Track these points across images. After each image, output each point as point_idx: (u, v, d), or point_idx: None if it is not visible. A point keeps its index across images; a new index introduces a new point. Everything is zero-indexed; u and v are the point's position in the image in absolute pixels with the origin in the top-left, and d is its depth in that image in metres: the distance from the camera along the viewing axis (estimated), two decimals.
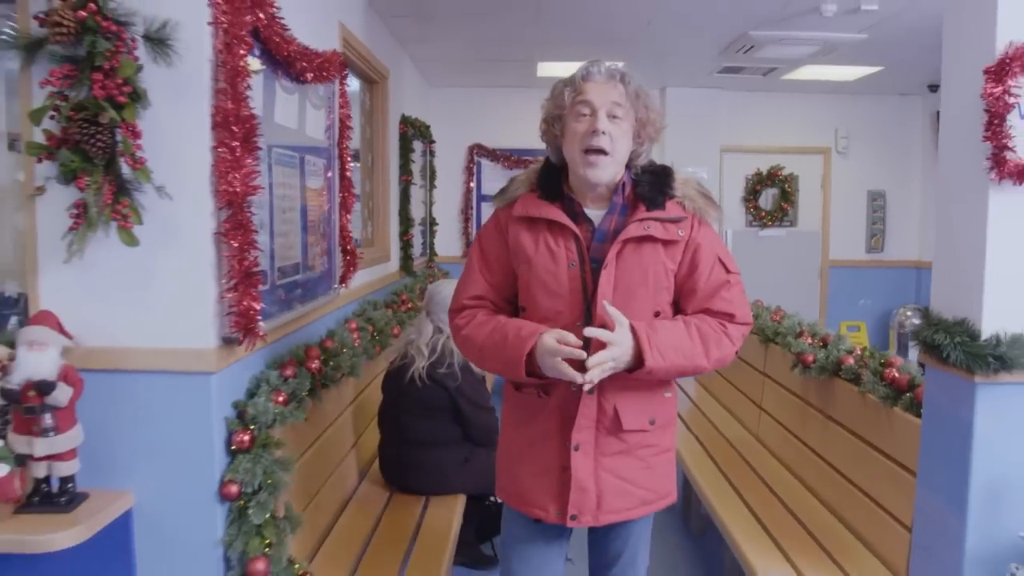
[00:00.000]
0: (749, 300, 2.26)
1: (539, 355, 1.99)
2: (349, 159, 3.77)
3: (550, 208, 2.12)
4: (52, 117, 2.21)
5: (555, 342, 1.95)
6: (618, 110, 2.06)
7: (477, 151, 8.24)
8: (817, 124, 8.09)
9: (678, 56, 6.37)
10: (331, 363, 3.12)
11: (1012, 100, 2.23)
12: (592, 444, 2.11)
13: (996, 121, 2.24)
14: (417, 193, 6.70)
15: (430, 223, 7.64)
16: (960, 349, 2.35)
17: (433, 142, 7.43)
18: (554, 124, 2.17)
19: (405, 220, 5.98)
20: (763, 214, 8.19)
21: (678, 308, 2.19)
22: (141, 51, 2.22)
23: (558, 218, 2.10)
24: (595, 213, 2.14)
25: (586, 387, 1.97)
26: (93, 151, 2.18)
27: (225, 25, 2.35)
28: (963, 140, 2.41)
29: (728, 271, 2.18)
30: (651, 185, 2.12)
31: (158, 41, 2.22)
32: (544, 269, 2.11)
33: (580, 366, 1.95)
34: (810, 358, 3.59)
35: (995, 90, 2.24)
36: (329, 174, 3.61)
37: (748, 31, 5.37)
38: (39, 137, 2.26)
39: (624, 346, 1.97)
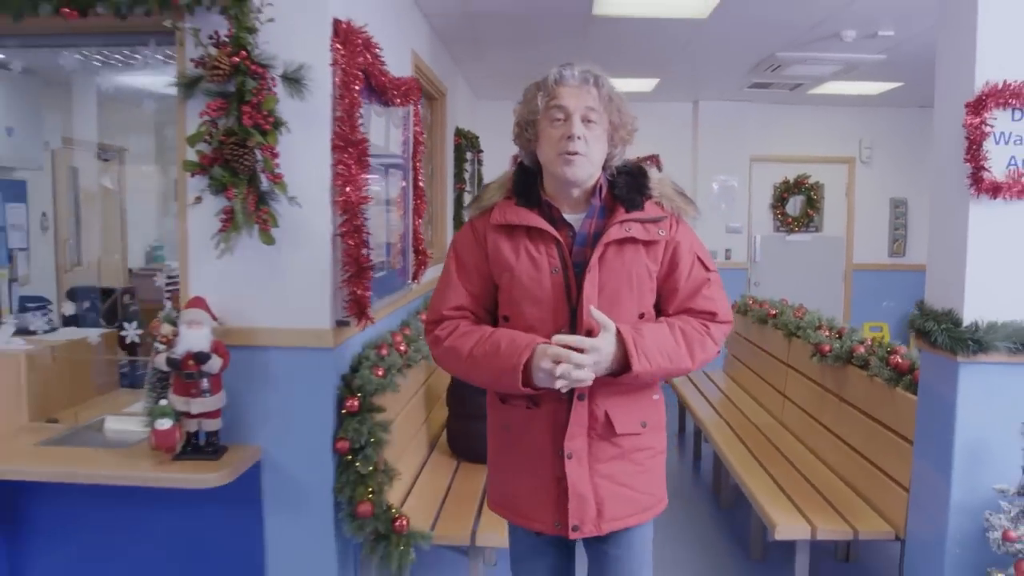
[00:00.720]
0: (776, 299, 2.64)
1: (535, 364, 1.96)
2: (421, 171, 4.31)
3: (529, 214, 2.10)
4: (206, 141, 2.76)
5: (545, 348, 1.95)
6: (592, 114, 2.05)
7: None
8: (841, 135, 8.48)
9: (711, 73, 6.83)
10: (412, 346, 3.65)
11: (987, 129, 2.72)
12: (585, 451, 2.08)
13: (975, 146, 2.73)
14: (467, 199, 7.24)
15: None
16: (945, 334, 2.84)
17: (481, 151, 7.94)
18: (527, 129, 2.14)
19: (459, 224, 6.51)
20: (790, 220, 8.61)
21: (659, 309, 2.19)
22: (279, 88, 2.77)
23: (538, 224, 2.08)
24: (574, 217, 2.12)
25: (560, 386, 1.94)
26: (240, 168, 2.74)
27: (343, 66, 2.89)
28: (949, 161, 2.90)
29: (707, 269, 2.18)
30: (628, 186, 2.12)
31: (293, 80, 2.77)
32: (527, 276, 2.08)
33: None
34: (827, 348, 4.07)
35: (974, 121, 2.73)
36: (404, 184, 4.14)
37: (775, 52, 5.84)
38: (192, 156, 2.81)
39: (609, 350, 1.96)
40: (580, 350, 1.93)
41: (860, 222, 8.63)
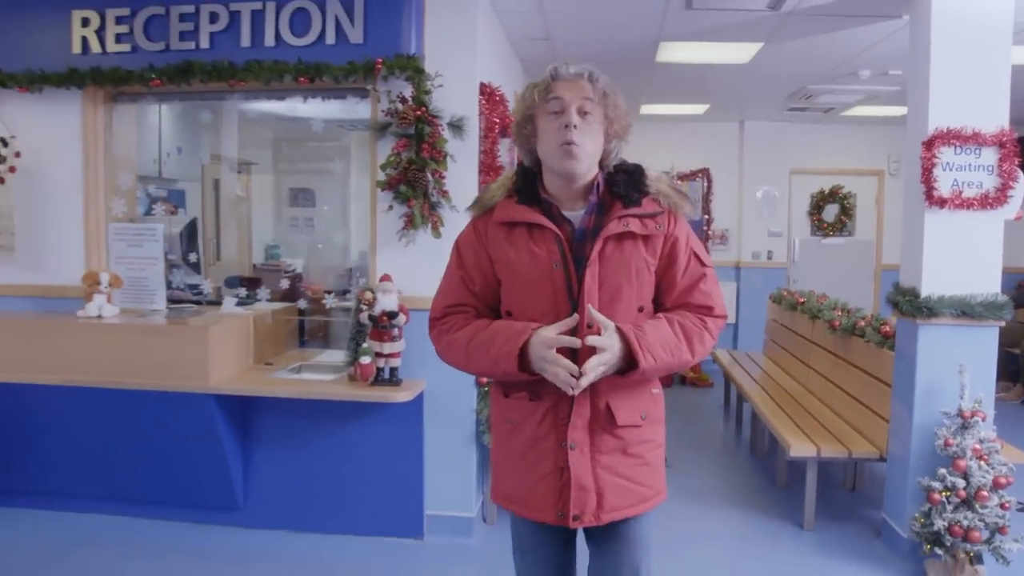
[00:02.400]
0: (815, 295, 3.32)
1: (533, 349, 2.01)
2: None
3: (529, 212, 2.13)
4: (394, 167, 4.05)
5: (551, 336, 2.00)
6: (588, 105, 2.08)
7: None
8: (871, 150, 9.51)
9: (753, 100, 8.00)
10: None
11: (936, 160, 3.91)
12: (587, 443, 2.12)
13: (927, 172, 3.93)
14: None
15: None
16: (909, 304, 4.02)
17: None
18: (525, 125, 2.18)
19: None
20: (825, 225, 9.70)
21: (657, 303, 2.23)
22: (446, 131, 4.06)
23: (538, 220, 2.12)
24: (573, 214, 2.16)
25: (574, 391, 2.01)
26: (418, 186, 4.03)
27: (486, 115, 4.19)
28: (913, 181, 4.09)
29: (703, 264, 2.22)
30: (626, 183, 2.15)
31: (455, 126, 4.07)
32: (528, 272, 2.12)
33: (571, 356, 2.02)
34: (836, 323, 5.26)
35: (927, 154, 3.92)
36: None
37: (806, 85, 7.01)
38: (382, 177, 4.11)
39: (614, 350, 2.00)
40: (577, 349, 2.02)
41: (888, 227, 9.66)
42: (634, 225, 2.10)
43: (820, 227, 9.74)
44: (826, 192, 9.68)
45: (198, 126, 6.56)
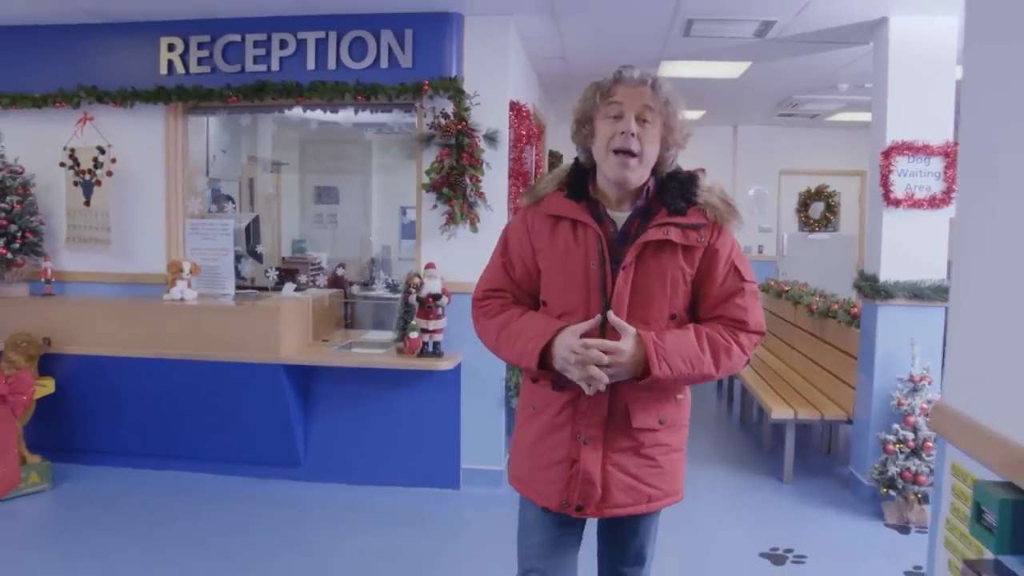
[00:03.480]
0: (798, 284, 3.91)
1: (556, 350, 2.07)
2: None
3: (575, 207, 2.16)
4: (438, 171, 4.81)
5: (576, 342, 2.03)
6: (648, 113, 2.09)
7: None
8: (854, 153, 10.11)
9: (744, 107, 8.75)
10: None
11: (892, 167, 4.67)
12: (601, 439, 2.15)
13: (885, 177, 4.69)
14: None
15: None
16: (870, 287, 4.79)
17: None
18: (584, 126, 2.20)
19: None
20: (812, 222, 10.46)
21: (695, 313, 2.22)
22: (482, 142, 4.82)
23: (582, 217, 2.14)
24: (618, 215, 2.17)
25: (588, 391, 2.07)
26: (458, 188, 4.79)
27: (514, 128, 4.95)
28: (874, 185, 4.85)
29: (744, 279, 2.19)
30: (675, 191, 2.14)
31: (490, 138, 4.83)
32: (567, 266, 2.15)
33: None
34: (813, 306, 6.03)
35: (884, 162, 4.69)
36: None
37: (792, 95, 7.77)
38: (426, 180, 4.87)
39: (630, 353, 2.03)
40: (606, 351, 2.03)
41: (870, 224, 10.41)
42: (674, 234, 2.10)
43: (807, 223, 10.49)
44: (812, 191, 10.43)
45: (238, 130, 7.20)
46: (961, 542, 1.57)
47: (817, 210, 10.47)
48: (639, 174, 2.11)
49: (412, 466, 5.09)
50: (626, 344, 2.03)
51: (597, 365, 2.02)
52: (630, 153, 2.07)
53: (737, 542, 4.38)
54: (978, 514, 1.45)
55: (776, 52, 5.77)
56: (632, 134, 2.06)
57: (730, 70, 6.53)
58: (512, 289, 2.29)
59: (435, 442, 5.09)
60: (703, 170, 8.33)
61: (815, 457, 5.95)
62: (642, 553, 2.36)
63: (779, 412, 5.29)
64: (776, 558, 4.16)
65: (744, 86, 7.23)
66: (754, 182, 10.23)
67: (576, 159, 2.30)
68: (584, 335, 2.06)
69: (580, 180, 2.22)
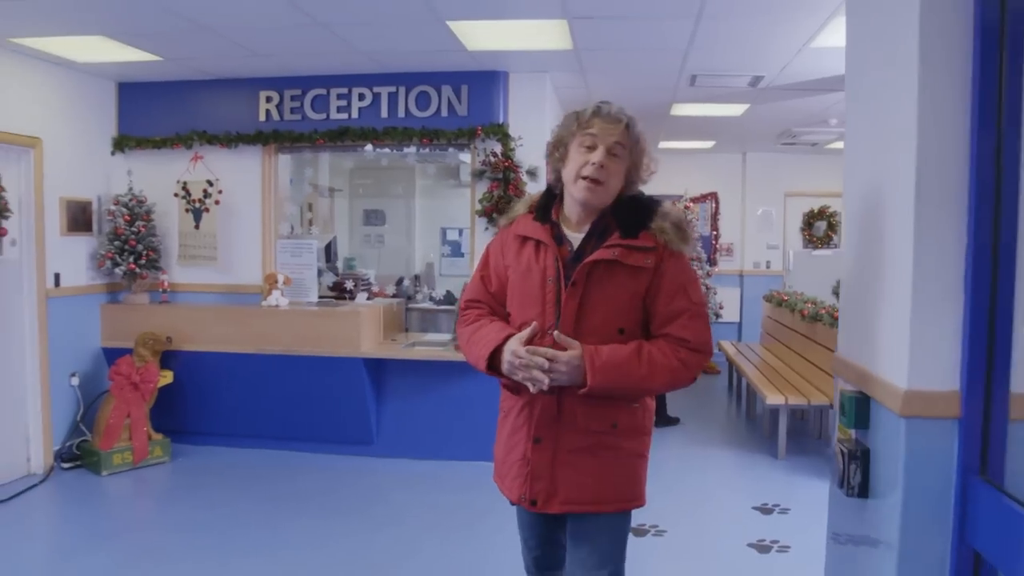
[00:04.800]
0: (796, 294, 4.70)
1: (504, 356, 2.26)
2: None
3: (539, 229, 2.33)
4: (488, 200, 5.90)
5: (519, 348, 2.21)
6: (618, 149, 2.25)
7: None
8: None
9: (750, 138, 9.77)
10: None
11: None
12: (554, 439, 2.31)
13: None
14: None
15: None
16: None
17: None
18: (558, 149, 2.35)
19: None
20: (815, 239, 11.42)
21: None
22: (524, 176, 5.90)
23: (543, 238, 2.31)
24: (576, 236, 2.33)
25: (532, 390, 2.23)
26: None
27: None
28: None
29: (692, 302, 2.32)
30: (628, 216, 2.29)
31: (531, 173, 5.93)
32: (526, 282, 2.34)
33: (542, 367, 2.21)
34: (804, 311, 7.06)
35: None
36: None
37: (791, 128, 8.82)
38: (479, 207, 5.96)
39: (569, 364, 2.19)
40: (547, 359, 2.19)
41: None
42: (620, 255, 2.26)
43: (811, 240, 11.45)
44: (815, 211, 11.37)
45: (303, 161, 8.30)
46: (840, 433, 2.61)
47: (820, 229, 11.42)
48: (601, 199, 2.30)
49: (467, 442, 6.11)
50: (568, 354, 2.20)
51: (540, 369, 2.20)
52: (596, 182, 2.25)
53: (734, 499, 5.41)
54: (841, 409, 2.50)
55: (769, 97, 6.83)
56: (601, 165, 2.24)
57: (732, 110, 7.60)
58: (488, 300, 2.50)
59: (486, 422, 6.09)
60: (715, 193, 9.35)
61: (808, 441, 6.96)
62: (596, 557, 2.40)
63: (773, 398, 6.31)
64: (765, 510, 5.18)
65: (747, 121, 8.29)
66: (761, 203, 11.23)
67: (548, 187, 2.51)
68: (531, 342, 2.26)
69: (548, 204, 2.43)
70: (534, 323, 2.27)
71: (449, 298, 6.87)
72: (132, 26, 4.89)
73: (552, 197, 2.44)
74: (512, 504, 2.49)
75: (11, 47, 5.27)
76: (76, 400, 6.10)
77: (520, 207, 2.50)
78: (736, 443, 6.91)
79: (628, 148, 2.29)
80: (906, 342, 2.10)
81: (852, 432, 2.48)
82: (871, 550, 2.34)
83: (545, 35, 4.99)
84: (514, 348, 2.24)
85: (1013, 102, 1.91)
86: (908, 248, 2.10)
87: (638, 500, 2.43)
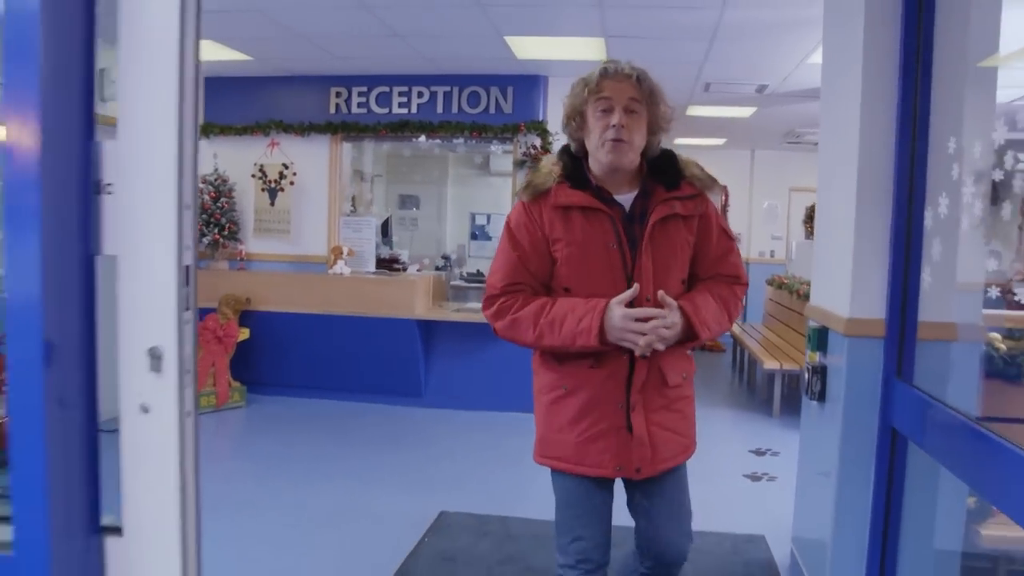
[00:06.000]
0: (795, 278, 5.71)
1: (611, 323, 2.18)
2: None
3: (585, 196, 2.26)
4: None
5: (628, 314, 2.18)
6: (634, 105, 2.23)
7: None
8: None
9: (758, 136, 10.70)
10: None
11: None
12: (642, 403, 2.31)
13: None
14: None
15: None
16: None
17: None
18: (574, 119, 2.32)
19: None
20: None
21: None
22: None
23: (592, 204, 2.24)
24: (622, 197, 2.30)
25: (639, 352, 2.22)
26: None
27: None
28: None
29: (730, 238, 2.45)
30: (665, 170, 2.33)
31: None
32: (586, 252, 2.26)
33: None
34: (800, 291, 7.99)
35: None
36: None
37: (795, 128, 9.74)
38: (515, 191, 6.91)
39: (678, 327, 2.23)
40: (651, 318, 2.19)
41: None
42: (677, 207, 2.28)
43: (812, 233, 12.33)
44: None
45: (350, 148, 9.28)
46: (808, 359, 3.56)
47: None
48: (630, 158, 2.27)
49: (507, 395, 6.99)
50: (674, 315, 2.22)
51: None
52: (620, 141, 2.21)
53: (734, 444, 6.38)
54: (808, 340, 3.46)
55: (774, 101, 7.77)
56: (622, 126, 2.21)
57: (742, 112, 8.53)
58: (530, 281, 2.36)
59: (521, 379, 7.06)
60: (725, 186, 10.30)
61: (800, 402, 7.88)
62: (685, 503, 2.48)
63: (769, 364, 7.26)
64: (759, 452, 6.15)
65: (755, 122, 9.22)
66: (768, 198, 12.16)
67: (562, 150, 2.44)
68: (627, 305, 2.22)
69: (578, 171, 2.34)
70: (636, 285, 2.22)
71: (479, 276, 7.85)
72: (237, 32, 5.85)
73: (577, 162, 2.37)
74: (580, 485, 2.38)
75: None
76: None
77: (546, 178, 2.35)
78: (737, 405, 7.87)
79: (643, 101, 2.27)
80: (848, 287, 3.07)
81: (817, 356, 3.44)
82: (827, 437, 3.30)
83: (584, 49, 5.93)
84: (623, 313, 2.19)
85: (923, 121, 2.85)
86: (851, 227, 3.08)
87: (695, 443, 2.53)
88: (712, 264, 2.41)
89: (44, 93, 0.96)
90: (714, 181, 2.40)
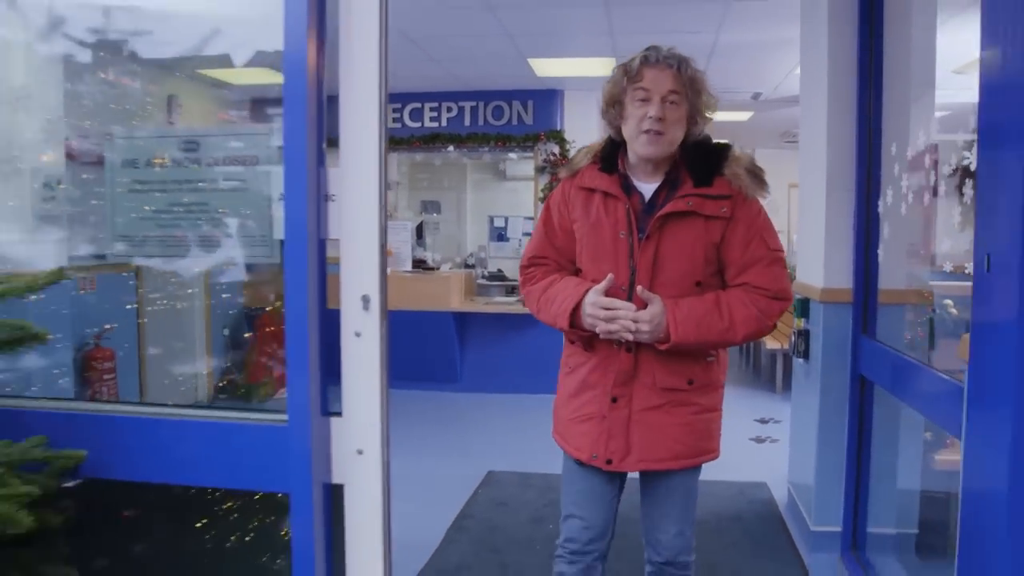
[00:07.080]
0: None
1: (584, 309, 2.19)
2: None
3: (606, 180, 2.24)
4: (549, 190, 7.62)
5: (596, 301, 2.16)
6: (673, 96, 2.13)
7: None
8: None
9: (758, 136, 11.44)
10: None
11: None
12: (629, 397, 2.25)
13: None
14: None
15: None
16: None
17: None
18: (613, 107, 2.25)
19: None
20: None
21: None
22: None
23: (612, 190, 2.22)
24: (646, 187, 2.23)
25: (600, 332, 2.18)
26: None
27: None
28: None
29: (769, 248, 2.23)
30: (700, 162, 2.21)
31: None
32: (597, 236, 2.24)
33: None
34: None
35: None
36: None
37: (790, 129, 10.46)
38: (541, 196, 7.69)
39: (657, 320, 2.13)
40: (617, 308, 2.18)
41: None
42: (695, 204, 2.16)
43: None
44: None
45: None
46: (796, 324, 4.31)
47: None
48: (665, 150, 2.19)
49: (538, 378, 7.63)
50: (650, 310, 2.15)
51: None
52: (658, 133, 2.14)
53: (741, 415, 7.10)
54: (794, 309, 4.22)
55: (769, 106, 8.52)
56: (659, 118, 2.13)
57: (740, 116, 9.30)
58: (554, 256, 2.40)
59: (549, 363, 7.79)
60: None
61: None
62: (676, 511, 2.37)
63: (772, 344, 8.01)
64: (763, 420, 6.90)
65: (753, 124, 9.98)
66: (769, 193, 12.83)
67: (610, 136, 2.35)
68: (608, 294, 2.20)
69: (613, 154, 2.29)
70: (610, 275, 2.19)
71: (499, 275, 8.61)
72: None
73: (616, 146, 2.32)
74: (579, 464, 2.39)
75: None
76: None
77: (582, 158, 2.36)
78: (744, 383, 8.63)
79: (683, 93, 2.18)
80: (822, 263, 3.85)
81: (802, 321, 4.20)
82: (811, 388, 4.06)
83: (597, 67, 6.70)
84: (594, 299, 2.18)
85: (876, 121, 3.59)
86: (822, 214, 3.87)
87: (711, 453, 2.38)
88: (737, 272, 2.26)
89: (308, 141, 1.62)
90: (759, 185, 2.28)
